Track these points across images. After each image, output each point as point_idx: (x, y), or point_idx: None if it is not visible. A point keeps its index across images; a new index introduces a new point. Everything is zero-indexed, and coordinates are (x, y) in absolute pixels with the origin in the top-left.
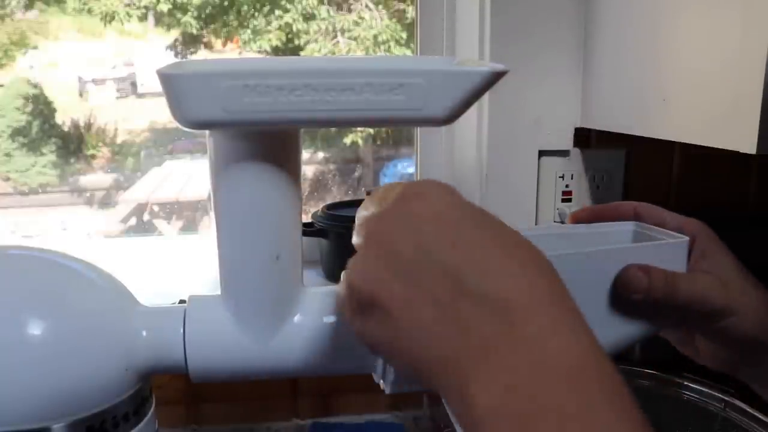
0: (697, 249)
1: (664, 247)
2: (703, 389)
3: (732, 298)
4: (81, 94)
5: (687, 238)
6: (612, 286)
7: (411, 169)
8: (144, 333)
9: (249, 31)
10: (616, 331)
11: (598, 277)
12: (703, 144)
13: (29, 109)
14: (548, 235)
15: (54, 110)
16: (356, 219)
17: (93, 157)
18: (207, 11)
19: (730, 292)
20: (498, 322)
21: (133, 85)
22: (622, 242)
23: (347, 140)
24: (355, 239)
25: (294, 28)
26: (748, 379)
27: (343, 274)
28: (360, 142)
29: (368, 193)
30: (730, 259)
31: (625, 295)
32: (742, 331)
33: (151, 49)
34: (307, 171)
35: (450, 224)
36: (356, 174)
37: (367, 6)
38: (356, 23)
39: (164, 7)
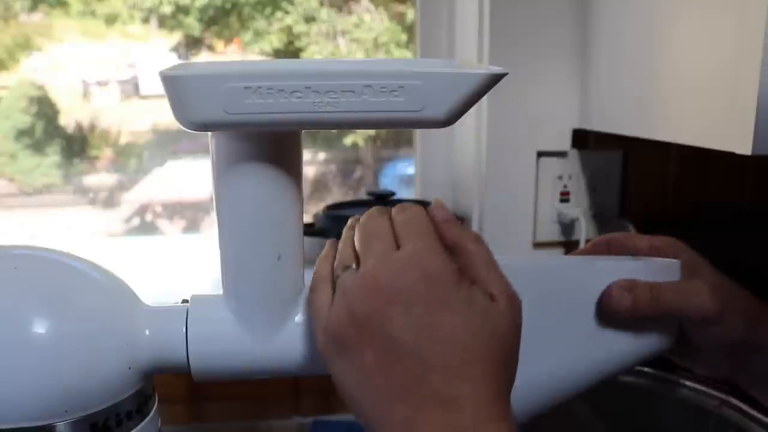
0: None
1: (657, 266)
2: (699, 387)
3: (722, 303)
4: (85, 96)
5: (679, 261)
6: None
7: (411, 170)
8: (147, 332)
9: (251, 32)
10: (620, 343)
11: (593, 292)
12: (699, 145)
13: (34, 110)
14: (547, 268)
15: (58, 112)
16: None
17: (96, 158)
18: (209, 14)
19: (720, 296)
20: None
21: (136, 87)
22: None
23: (347, 141)
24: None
25: (295, 30)
26: (746, 385)
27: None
28: (360, 143)
29: (369, 195)
30: (712, 267)
31: (609, 316)
32: (733, 335)
33: (154, 52)
34: (308, 172)
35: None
36: (356, 175)
37: (367, 9)
38: (356, 25)
39: (167, 9)
